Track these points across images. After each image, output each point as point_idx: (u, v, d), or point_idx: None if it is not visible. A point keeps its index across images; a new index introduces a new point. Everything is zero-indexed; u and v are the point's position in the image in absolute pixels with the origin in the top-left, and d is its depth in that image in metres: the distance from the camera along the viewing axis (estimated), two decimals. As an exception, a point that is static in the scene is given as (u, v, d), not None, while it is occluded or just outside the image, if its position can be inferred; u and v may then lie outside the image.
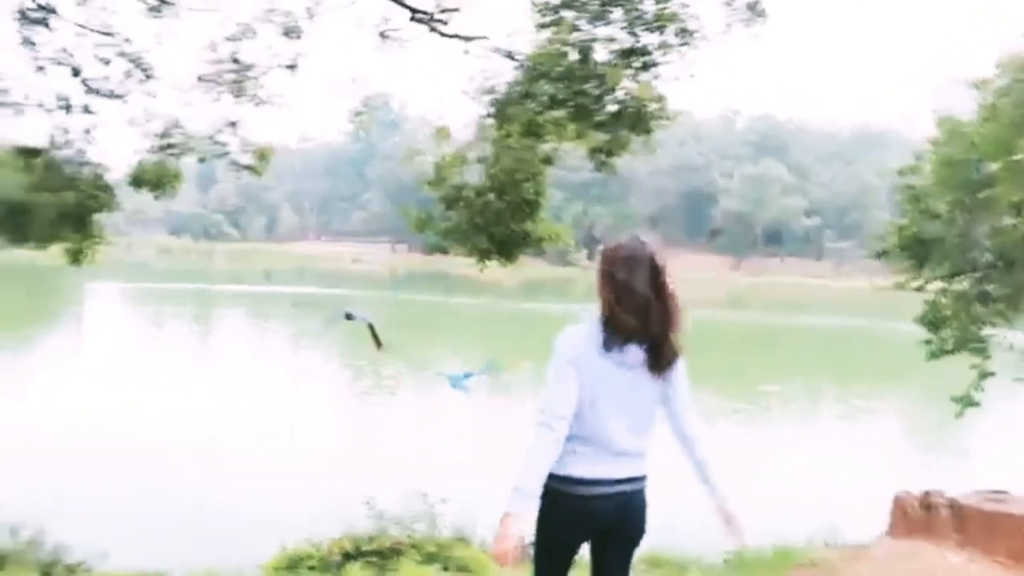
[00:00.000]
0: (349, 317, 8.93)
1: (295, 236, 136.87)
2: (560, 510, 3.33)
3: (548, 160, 9.73)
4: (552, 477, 3.29)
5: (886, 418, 24.44)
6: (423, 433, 18.13)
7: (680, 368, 3.42)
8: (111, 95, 9.99)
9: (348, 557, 7.14)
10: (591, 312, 3.35)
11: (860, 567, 7.51)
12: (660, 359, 3.30)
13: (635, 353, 3.28)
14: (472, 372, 10.48)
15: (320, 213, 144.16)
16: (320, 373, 26.23)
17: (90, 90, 9.96)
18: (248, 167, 10.94)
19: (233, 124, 10.56)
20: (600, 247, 3.46)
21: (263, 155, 10.90)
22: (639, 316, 3.24)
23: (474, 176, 10.04)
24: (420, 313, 46.68)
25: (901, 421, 24.75)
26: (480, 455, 16.05)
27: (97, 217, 10.53)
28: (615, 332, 3.26)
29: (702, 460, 3.43)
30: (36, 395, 20.07)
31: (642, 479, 3.41)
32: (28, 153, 10.11)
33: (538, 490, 3.20)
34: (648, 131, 9.06)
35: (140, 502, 12.68)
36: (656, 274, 3.30)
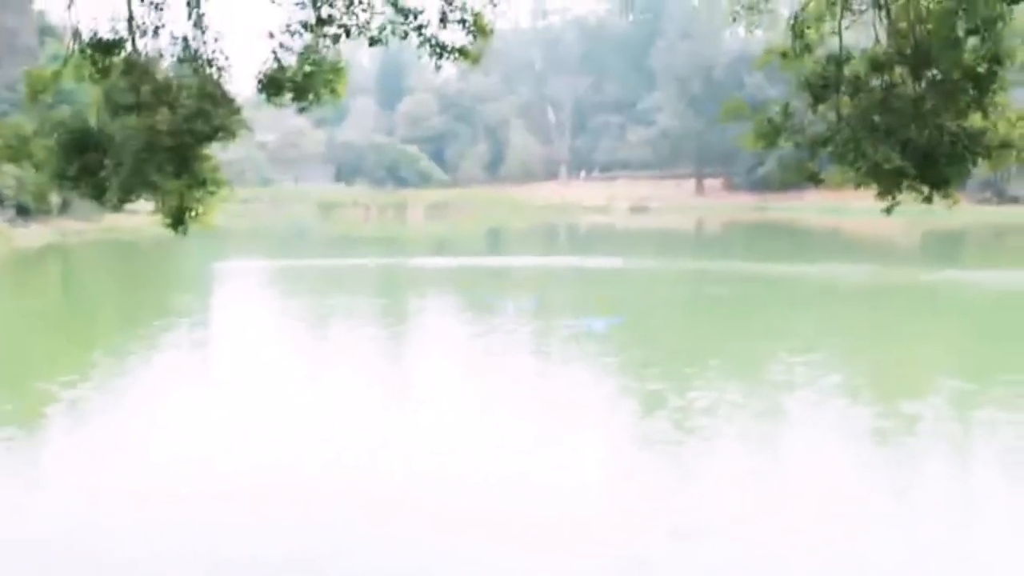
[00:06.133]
0: None
1: (537, 174, 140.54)
2: None
3: (1012, -4, 9.10)
4: None
5: None
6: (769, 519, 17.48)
7: None
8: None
9: None
10: None
11: None
12: None
13: None
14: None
15: (576, 133, 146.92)
16: (588, 402, 26.27)
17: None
18: (455, 51, 10.94)
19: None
20: None
21: (482, 29, 10.81)
22: None
23: (860, 39, 9.69)
24: (755, 297, 46.07)
25: None
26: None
27: (212, 150, 10.78)
28: None
29: None
30: (143, 450, 21.37)
31: None
32: (100, 48, 10.45)
33: None
34: None
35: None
36: None
